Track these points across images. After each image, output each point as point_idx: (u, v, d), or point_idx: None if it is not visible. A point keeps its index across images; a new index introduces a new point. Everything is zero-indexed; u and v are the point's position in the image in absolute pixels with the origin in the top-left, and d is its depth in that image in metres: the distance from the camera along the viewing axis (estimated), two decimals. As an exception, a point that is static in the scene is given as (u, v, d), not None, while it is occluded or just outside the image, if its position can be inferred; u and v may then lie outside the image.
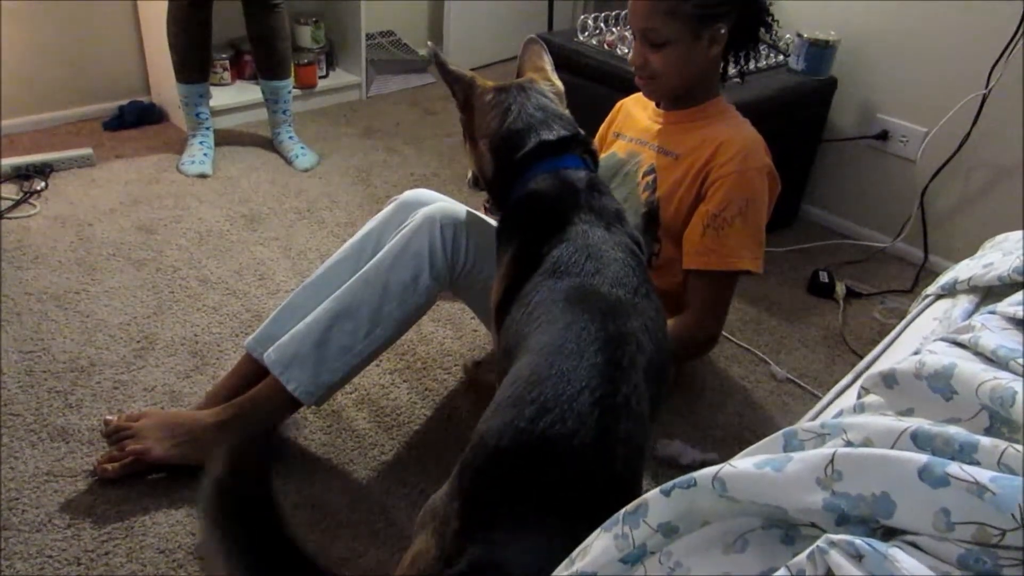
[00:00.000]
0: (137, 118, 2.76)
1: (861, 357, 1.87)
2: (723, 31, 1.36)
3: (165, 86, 2.73)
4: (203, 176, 2.45)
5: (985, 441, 0.53)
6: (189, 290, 1.92)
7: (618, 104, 1.70)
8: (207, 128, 2.55)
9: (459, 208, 1.40)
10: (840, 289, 2.10)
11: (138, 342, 1.72)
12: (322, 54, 3.10)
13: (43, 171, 2.35)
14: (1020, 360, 0.62)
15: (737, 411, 1.70)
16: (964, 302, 0.90)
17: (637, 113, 1.61)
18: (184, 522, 1.30)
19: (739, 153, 1.38)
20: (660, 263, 1.52)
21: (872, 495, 0.52)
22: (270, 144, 2.69)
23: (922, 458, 0.51)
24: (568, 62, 2.29)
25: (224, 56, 2.89)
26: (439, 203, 1.40)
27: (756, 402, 1.73)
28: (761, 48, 2.20)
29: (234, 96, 2.85)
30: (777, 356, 1.88)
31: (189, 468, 1.34)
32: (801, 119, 2.30)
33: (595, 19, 2.32)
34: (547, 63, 1.35)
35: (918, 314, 1.00)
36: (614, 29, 2.31)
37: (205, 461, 1.33)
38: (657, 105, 1.55)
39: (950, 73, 2.10)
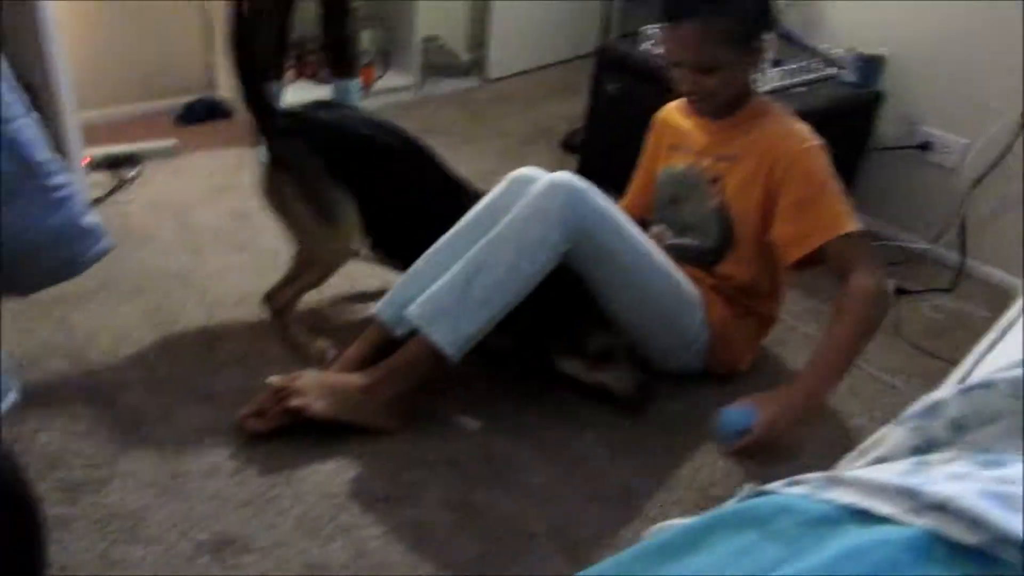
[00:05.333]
0: (206, 113, 2.88)
1: (918, 347, 2.05)
2: (765, 39, 1.53)
3: (231, 84, 2.85)
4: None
5: None
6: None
7: (659, 118, 1.84)
8: (281, 122, 2.68)
9: (574, 176, 1.52)
10: (890, 286, 2.26)
11: (257, 317, 1.84)
12: (378, 56, 3.24)
13: (131, 160, 2.46)
14: None
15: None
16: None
17: (683, 124, 1.75)
18: (339, 470, 1.43)
19: (794, 143, 1.55)
20: (734, 259, 1.67)
21: None
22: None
23: None
24: (637, 68, 2.46)
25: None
26: (561, 171, 1.53)
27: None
28: (813, 61, 2.38)
29: (294, 95, 2.96)
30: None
31: (339, 425, 1.48)
32: (849, 129, 2.47)
33: (657, 29, 2.48)
34: None
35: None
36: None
37: (355, 419, 1.48)
38: (700, 114, 1.70)
39: (991, 90, 2.28)
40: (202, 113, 2.87)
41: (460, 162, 2.79)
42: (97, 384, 1.58)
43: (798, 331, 2.05)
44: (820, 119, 2.27)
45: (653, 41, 2.48)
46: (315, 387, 1.46)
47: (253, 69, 1.67)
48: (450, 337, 1.45)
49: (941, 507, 0.60)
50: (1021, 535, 0.56)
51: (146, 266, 1.98)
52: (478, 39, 3.75)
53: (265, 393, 1.48)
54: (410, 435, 1.52)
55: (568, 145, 2.99)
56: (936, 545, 0.59)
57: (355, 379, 1.50)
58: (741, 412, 1.36)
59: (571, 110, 3.16)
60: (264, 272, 2.01)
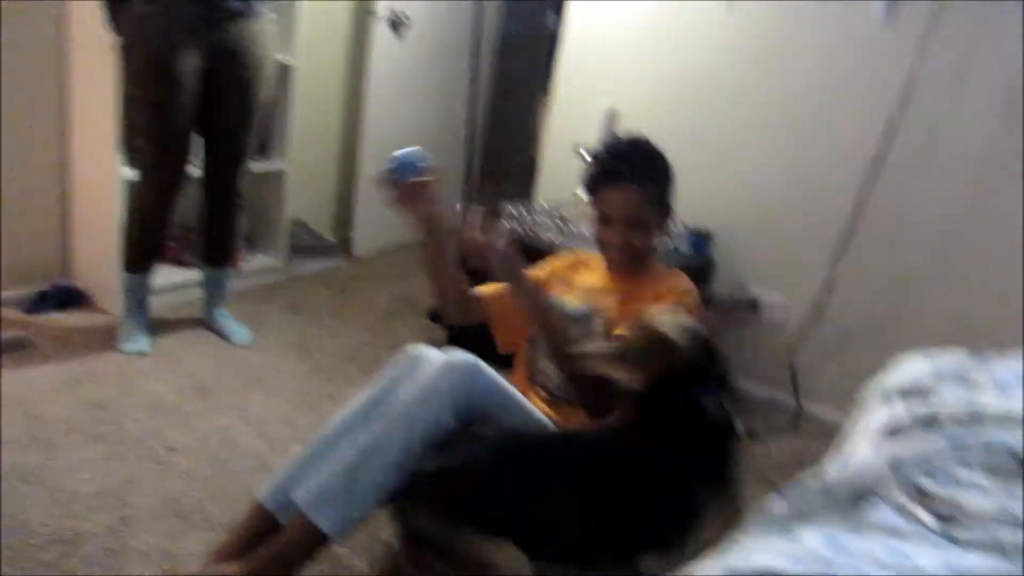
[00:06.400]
0: (61, 301, 2.78)
1: (772, 483, 2.20)
2: (674, 211, 1.77)
3: (88, 270, 2.81)
4: (142, 354, 2.50)
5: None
6: (158, 458, 1.95)
7: (562, 254, 1.97)
8: (145, 310, 2.63)
9: (469, 356, 1.59)
10: (739, 428, 2.45)
11: (119, 511, 1.73)
12: (244, 240, 3.29)
13: (-26, 352, 2.32)
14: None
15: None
16: (896, 401, 1.25)
17: (582, 267, 1.91)
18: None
19: (684, 289, 1.73)
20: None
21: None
22: (200, 324, 2.79)
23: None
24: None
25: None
26: (455, 352, 1.60)
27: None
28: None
29: (159, 279, 2.94)
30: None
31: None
32: (689, 292, 2.75)
33: (518, 209, 2.73)
34: None
35: (860, 419, 1.35)
36: (533, 216, 2.72)
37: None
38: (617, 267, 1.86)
39: (803, 257, 2.65)
40: (56, 301, 2.77)
41: (334, 337, 2.85)
42: (-72, 603, 1.41)
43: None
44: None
45: (512, 218, 2.71)
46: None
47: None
48: (339, 524, 1.42)
49: None
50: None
51: (-11, 465, 1.83)
52: (343, 221, 3.92)
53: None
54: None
55: (434, 316, 3.11)
56: None
57: (233, 570, 1.43)
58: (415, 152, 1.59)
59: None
60: (126, 462, 1.92)
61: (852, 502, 0.94)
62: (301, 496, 1.45)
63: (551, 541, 1.36)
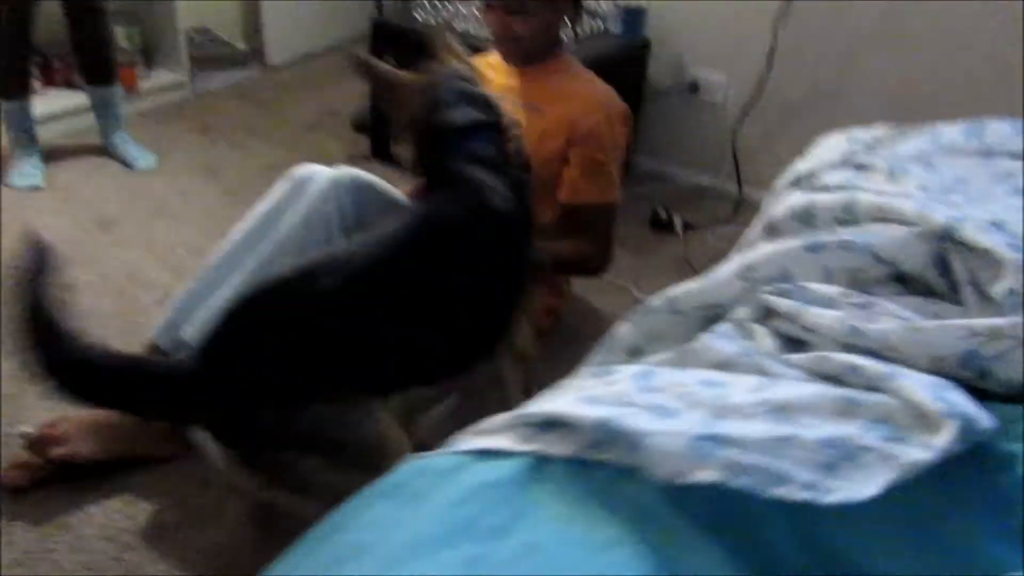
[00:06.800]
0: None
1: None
2: None
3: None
4: (36, 188, 2.32)
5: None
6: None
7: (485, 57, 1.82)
8: (34, 139, 2.40)
9: (356, 171, 1.47)
10: (678, 222, 2.38)
11: (14, 355, 1.64)
12: (139, 55, 2.98)
13: None
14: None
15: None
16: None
17: (489, 73, 1.75)
18: (122, 508, 1.30)
19: (602, 106, 1.59)
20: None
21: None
22: (99, 151, 2.57)
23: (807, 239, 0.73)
24: (413, 39, 2.40)
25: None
26: (340, 167, 1.46)
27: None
28: (585, 15, 2.44)
29: (49, 105, 2.67)
30: (637, 284, 2.11)
31: (115, 463, 1.34)
32: (623, 78, 2.53)
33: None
34: None
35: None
36: (449, 6, 2.45)
37: (131, 454, 1.36)
38: (507, 59, 1.69)
39: (743, 29, 2.43)
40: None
41: (248, 157, 2.65)
42: None
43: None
44: (596, 70, 2.34)
45: (424, 11, 2.45)
46: (80, 430, 1.32)
47: None
48: None
49: (545, 425, 0.65)
50: (591, 420, 0.62)
51: None
52: (253, 25, 3.55)
53: (22, 445, 1.32)
54: (196, 456, 1.41)
55: (359, 126, 2.90)
56: (541, 467, 0.63)
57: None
58: None
59: (359, 90, 3.08)
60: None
61: (703, 322, 0.84)
62: (191, 333, 1.37)
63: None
